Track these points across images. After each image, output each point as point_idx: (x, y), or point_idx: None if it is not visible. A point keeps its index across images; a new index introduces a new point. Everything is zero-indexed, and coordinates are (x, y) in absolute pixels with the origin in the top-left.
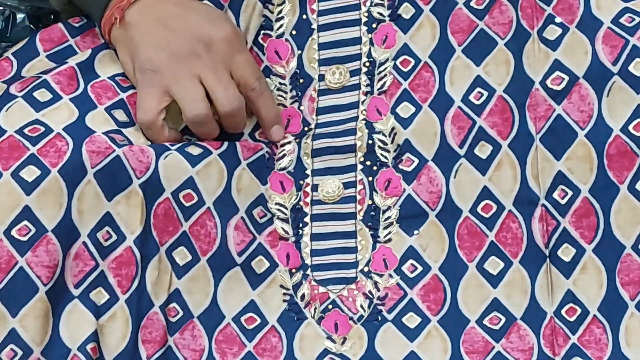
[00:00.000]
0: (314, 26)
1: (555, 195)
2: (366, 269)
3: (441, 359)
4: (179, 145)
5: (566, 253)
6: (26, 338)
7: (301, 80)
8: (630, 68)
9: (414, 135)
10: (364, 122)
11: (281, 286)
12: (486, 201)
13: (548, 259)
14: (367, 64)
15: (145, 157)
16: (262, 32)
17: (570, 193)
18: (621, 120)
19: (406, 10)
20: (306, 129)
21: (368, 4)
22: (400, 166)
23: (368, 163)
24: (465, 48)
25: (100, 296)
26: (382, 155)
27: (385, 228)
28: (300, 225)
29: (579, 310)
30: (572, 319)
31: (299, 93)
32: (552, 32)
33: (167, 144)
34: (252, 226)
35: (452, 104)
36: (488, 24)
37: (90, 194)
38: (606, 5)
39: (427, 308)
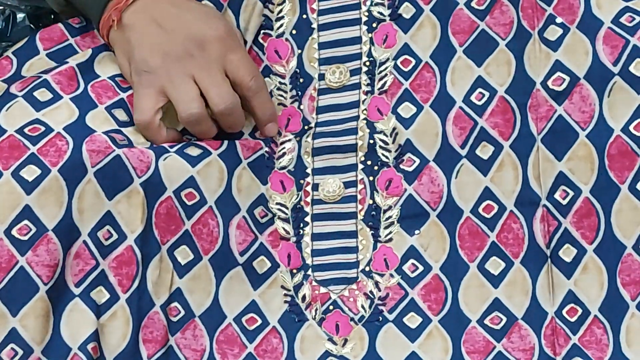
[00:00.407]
0: (314, 25)
1: (557, 195)
2: (367, 269)
3: (442, 359)
4: (178, 147)
5: (567, 253)
6: (27, 337)
7: (301, 80)
8: (631, 68)
9: (415, 135)
10: (364, 121)
11: (282, 287)
12: (487, 201)
13: (549, 259)
14: (368, 63)
15: (145, 157)
16: (262, 31)
17: (571, 193)
18: (622, 120)
19: (406, 10)
20: (306, 127)
21: (368, 3)
22: (401, 166)
23: (369, 163)
24: (466, 49)
25: (100, 295)
26: (383, 155)
27: (386, 228)
28: (301, 225)
29: (580, 311)
30: (573, 319)
31: (299, 92)
32: (552, 33)
33: (166, 145)
34: (254, 226)
35: (454, 105)
36: (489, 24)
37: (91, 193)
38: (606, 5)
39: (428, 308)
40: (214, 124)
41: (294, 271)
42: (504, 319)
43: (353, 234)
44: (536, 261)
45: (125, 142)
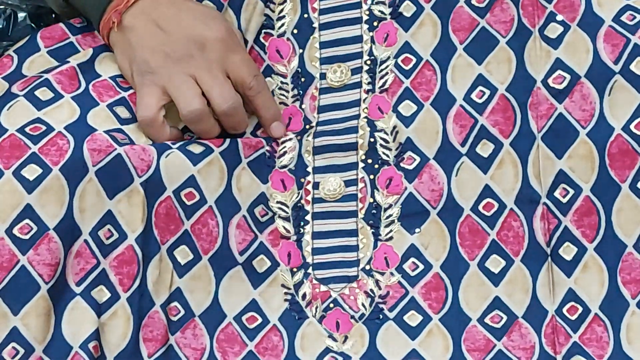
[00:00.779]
0: (315, 25)
1: (557, 193)
2: (367, 267)
3: (442, 357)
4: (181, 143)
5: (567, 252)
6: (28, 336)
7: (303, 79)
8: (632, 67)
9: (415, 133)
10: (365, 120)
11: (282, 285)
12: (488, 199)
13: (549, 258)
14: (369, 62)
15: (146, 156)
16: (263, 31)
17: (571, 192)
18: (623, 119)
19: (407, 8)
20: (307, 126)
21: (369, 2)
22: (401, 164)
23: (369, 161)
24: (466, 46)
25: (101, 294)
26: (383, 153)
27: (386, 226)
28: (302, 223)
29: (580, 309)
30: (573, 318)
31: (301, 92)
32: (553, 30)
33: (168, 142)
34: (254, 225)
35: (454, 103)
36: (489, 22)
37: (92, 192)
38: (607, 3)
39: (429, 306)
40: (216, 123)
41: (294, 270)
42: (505, 318)
43: (353, 233)
44: (536, 259)
45: (127, 140)
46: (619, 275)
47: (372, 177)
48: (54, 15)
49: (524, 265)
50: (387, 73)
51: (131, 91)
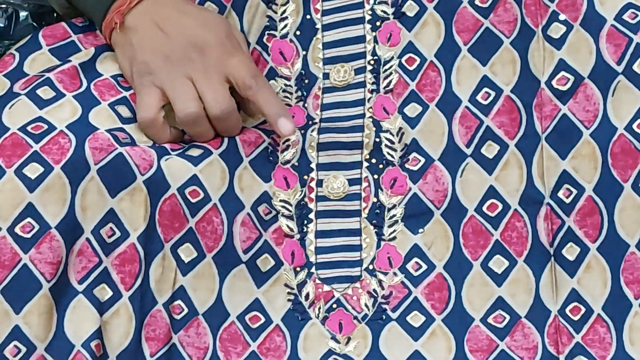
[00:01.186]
0: (318, 26)
1: (560, 194)
2: (371, 267)
3: (445, 358)
4: (179, 149)
5: (570, 252)
6: (30, 335)
7: (306, 81)
8: (635, 67)
9: (421, 134)
10: (370, 119)
11: (286, 285)
12: (492, 200)
13: (553, 258)
14: (372, 62)
15: (147, 156)
16: (266, 32)
17: (574, 192)
18: (626, 119)
19: (410, 8)
20: (310, 122)
21: (372, 2)
22: (406, 165)
23: (374, 161)
24: (471, 47)
25: (103, 293)
26: (388, 154)
27: (390, 226)
28: (305, 222)
29: (583, 309)
30: (576, 318)
31: (304, 93)
32: (556, 30)
33: (167, 147)
34: (258, 223)
35: (460, 104)
36: (493, 22)
37: (94, 190)
38: (609, 1)
39: (432, 307)
40: (211, 127)
41: (298, 269)
42: (508, 318)
43: (357, 232)
44: (540, 260)
45: (128, 140)
46: (622, 275)
47: (376, 177)
48: (55, 15)
49: (527, 266)
50: (391, 73)
51: (132, 91)
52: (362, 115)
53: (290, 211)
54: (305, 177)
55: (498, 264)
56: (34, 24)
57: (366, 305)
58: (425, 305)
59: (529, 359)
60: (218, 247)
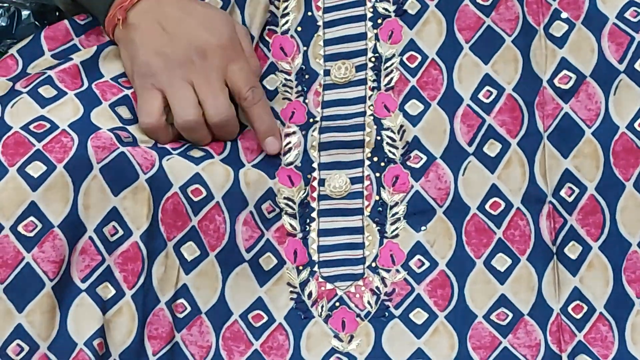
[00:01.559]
0: (320, 23)
1: (563, 193)
2: (373, 265)
3: (448, 355)
4: (181, 149)
5: (573, 250)
6: (32, 333)
7: (307, 76)
8: (637, 66)
9: (423, 132)
10: (372, 117)
11: (288, 284)
12: (494, 199)
13: (555, 256)
14: (373, 59)
15: (149, 156)
16: (267, 27)
17: (577, 190)
18: (627, 117)
19: (412, 6)
20: (311, 120)
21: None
22: (408, 163)
23: (375, 159)
24: (472, 45)
25: (106, 291)
26: (390, 151)
27: (392, 224)
28: (308, 220)
29: (585, 308)
30: (578, 316)
31: (305, 88)
32: (558, 29)
33: (168, 147)
34: (261, 221)
35: (462, 102)
36: (494, 20)
37: (96, 189)
38: None
39: (435, 304)
40: (209, 133)
41: (300, 268)
42: (510, 315)
43: (359, 230)
44: (542, 258)
45: (130, 139)
46: (624, 274)
47: (378, 174)
48: (57, 13)
49: (530, 264)
50: (392, 71)
51: (133, 89)
52: (363, 113)
53: (294, 209)
54: (309, 176)
55: (501, 262)
56: (36, 22)
57: (369, 303)
58: (428, 302)
59: (531, 356)
60: (221, 245)
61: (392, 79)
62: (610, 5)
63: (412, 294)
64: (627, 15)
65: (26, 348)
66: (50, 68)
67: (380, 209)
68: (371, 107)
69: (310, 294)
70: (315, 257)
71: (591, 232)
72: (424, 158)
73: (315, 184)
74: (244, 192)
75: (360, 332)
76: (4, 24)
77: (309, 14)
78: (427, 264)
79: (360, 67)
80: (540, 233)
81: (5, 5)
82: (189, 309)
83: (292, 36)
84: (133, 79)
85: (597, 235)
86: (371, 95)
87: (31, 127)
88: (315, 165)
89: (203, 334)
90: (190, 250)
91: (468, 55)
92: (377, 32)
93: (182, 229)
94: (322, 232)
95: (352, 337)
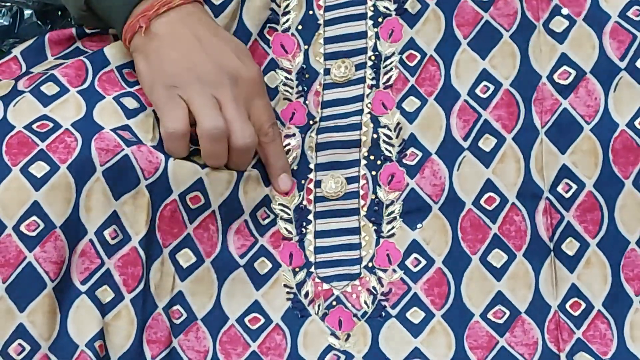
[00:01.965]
0: (321, 21)
1: (560, 188)
2: (370, 265)
3: (445, 354)
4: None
5: (570, 247)
6: (34, 333)
7: (307, 76)
8: (638, 64)
9: (419, 129)
10: (369, 115)
11: (285, 285)
12: (489, 194)
13: (552, 253)
14: (373, 57)
15: (154, 158)
16: (267, 25)
17: (574, 187)
18: (627, 115)
19: (412, 5)
20: (311, 122)
21: None
22: (404, 160)
23: (372, 157)
24: (470, 41)
25: (105, 294)
26: (386, 149)
27: (388, 223)
28: (304, 223)
29: (583, 305)
30: (576, 314)
31: (305, 88)
32: (558, 24)
33: None
34: (255, 229)
35: (458, 98)
36: (493, 15)
37: (99, 191)
38: None
39: (431, 302)
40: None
41: (297, 269)
42: (507, 313)
43: (356, 231)
44: (539, 254)
45: (134, 139)
46: (622, 271)
47: (374, 173)
48: (60, 13)
49: (526, 260)
50: (391, 69)
51: (138, 86)
52: (360, 112)
53: (289, 214)
54: (303, 181)
55: (497, 258)
56: (39, 22)
57: (365, 303)
58: (424, 301)
59: (529, 355)
60: (215, 252)
61: (391, 77)
62: (613, 3)
63: (408, 293)
64: (629, 14)
65: (28, 348)
66: (54, 67)
67: (376, 208)
68: (369, 105)
69: (307, 294)
70: (312, 259)
71: (589, 229)
72: (419, 154)
73: (311, 186)
74: (241, 201)
75: (357, 331)
76: (6, 23)
77: (310, 12)
78: (423, 262)
79: (360, 66)
80: (536, 229)
81: (7, 4)
82: (184, 315)
83: (292, 34)
84: (153, 89)
85: (595, 232)
86: (369, 93)
87: (34, 126)
88: (311, 166)
89: (200, 339)
90: (185, 257)
91: (466, 50)
92: (377, 31)
93: (178, 236)
94: (318, 234)
95: (348, 335)
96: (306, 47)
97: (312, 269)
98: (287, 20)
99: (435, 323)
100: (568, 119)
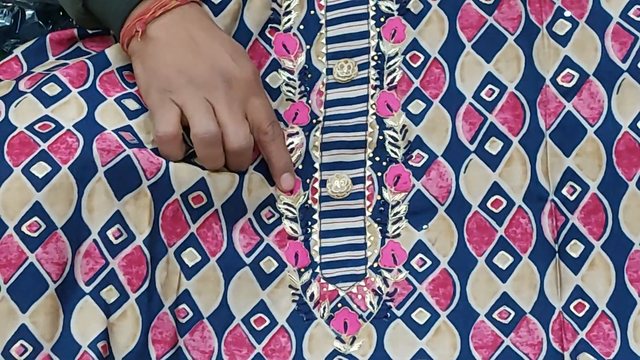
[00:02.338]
0: (322, 21)
1: (564, 191)
2: (375, 265)
3: (450, 355)
4: (186, 156)
5: (575, 249)
6: (36, 334)
7: (309, 75)
8: None
9: (425, 131)
10: (374, 117)
11: (290, 286)
12: (496, 196)
13: (557, 255)
14: (376, 57)
15: (155, 159)
16: (269, 25)
17: (579, 189)
18: (630, 116)
19: (415, 5)
20: (314, 121)
21: None
22: (410, 162)
23: (377, 159)
24: (475, 44)
25: (110, 294)
26: (392, 151)
27: (394, 223)
28: (309, 223)
29: (587, 306)
30: (580, 315)
31: (308, 88)
32: (561, 27)
33: None
34: (260, 228)
35: (464, 101)
36: (497, 19)
37: (101, 191)
38: None
39: (437, 303)
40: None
41: (302, 270)
42: (512, 313)
43: (361, 231)
44: (544, 256)
45: (135, 141)
46: (626, 273)
47: (379, 174)
48: (61, 13)
49: (532, 262)
50: (395, 70)
51: (137, 88)
52: (366, 113)
53: (294, 214)
54: (308, 180)
55: (503, 260)
56: (40, 22)
57: (371, 304)
58: (430, 302)
59: (533, 355)
60: (220, 251)
61: (394, 77)
62: (614, 4)
63: (414, 293)
64: (630, 13)
65: (30, 348)
66: (55, 68)
67: (382, 208)
68: (373, 106)
69: (312, 296)
70: (317, 259)
71: (593, 231)
72: (426, 157)
73: (316, 185)
74: (244, 200)
75: (363, 333)
76: (7, 24)
77: (312, 12)
78: (428, 262)
79: (363, 66)
80: (542, 231)
81: (9, 4)
82: (190, 314)
83: (294, 34)
84: (148, 92)
85: (599, 234)
86: (374, 94)
87: (36, 127)
88: (316, 165)
89: (205, 339)
90: (190, 256)
91: (470, 53)
92: (379, 31)
93: (182, 236)
94: (323, 234)
95: (354, 338)
96: (308, 47)
97: (318, 270)
98: (289, 20)
99: (441, 323)
100: (572, 122)
